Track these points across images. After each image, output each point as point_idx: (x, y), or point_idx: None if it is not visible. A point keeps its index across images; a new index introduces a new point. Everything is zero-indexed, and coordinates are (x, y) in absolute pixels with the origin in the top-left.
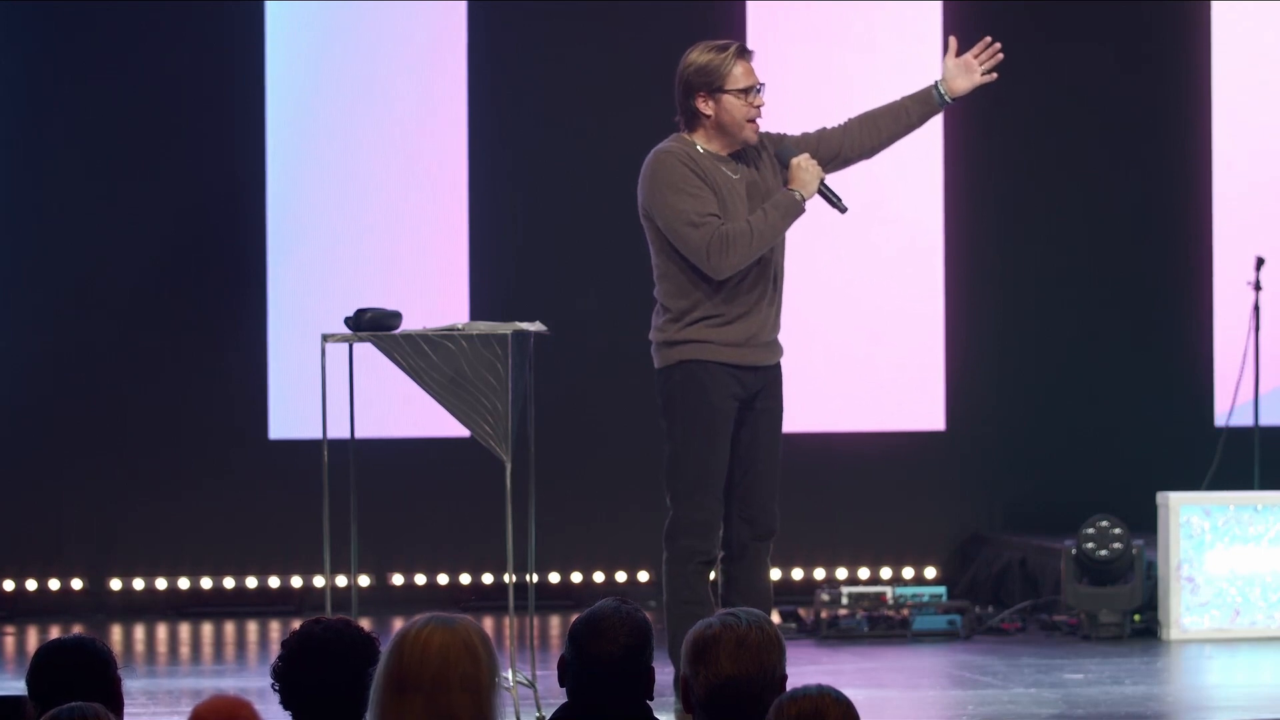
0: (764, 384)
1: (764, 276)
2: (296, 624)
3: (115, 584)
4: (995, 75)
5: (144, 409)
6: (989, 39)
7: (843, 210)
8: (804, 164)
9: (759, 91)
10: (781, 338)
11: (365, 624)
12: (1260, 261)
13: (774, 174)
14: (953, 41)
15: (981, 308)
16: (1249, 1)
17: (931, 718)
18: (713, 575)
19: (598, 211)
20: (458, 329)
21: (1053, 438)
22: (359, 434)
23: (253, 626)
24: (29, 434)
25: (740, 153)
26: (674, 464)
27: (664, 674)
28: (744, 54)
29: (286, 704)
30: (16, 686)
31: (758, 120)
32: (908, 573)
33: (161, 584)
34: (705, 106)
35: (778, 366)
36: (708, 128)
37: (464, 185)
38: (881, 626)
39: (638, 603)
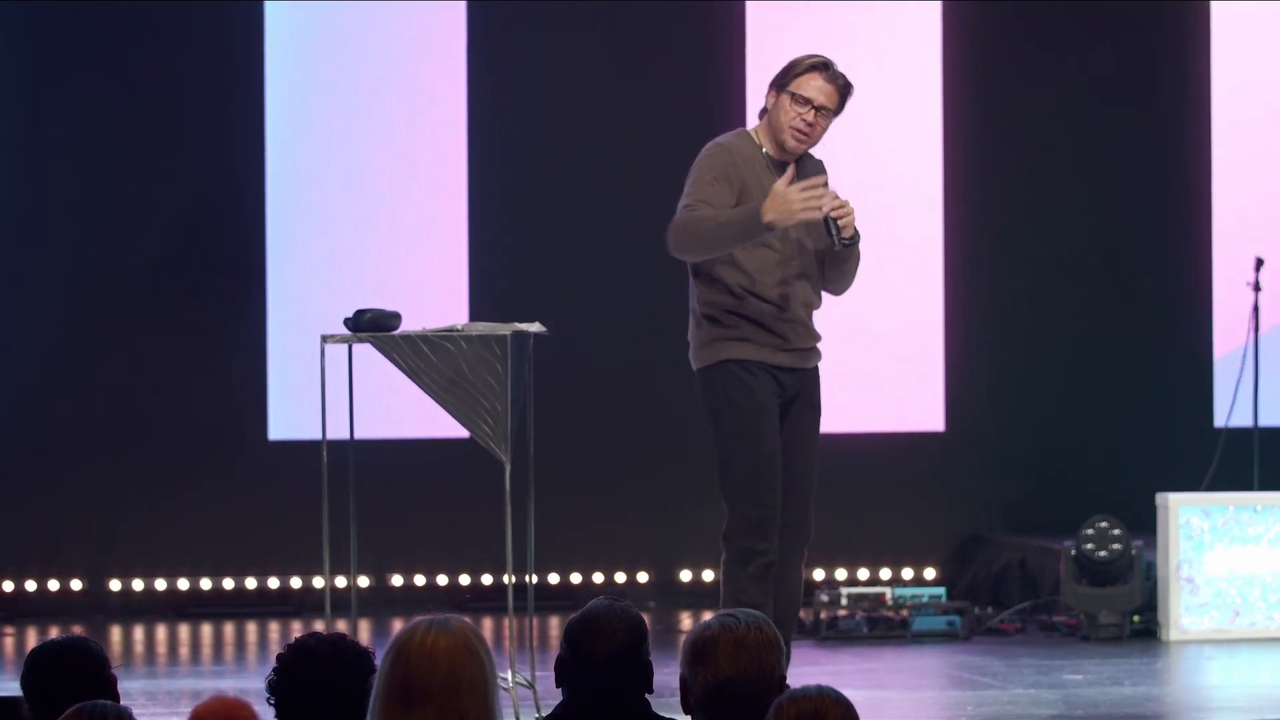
0: (801, 388)
1: (801, 278)
2: (296, 626)
3: (115, 585)
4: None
5: (144, 410)
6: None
7: (834, 248)
8: (792, 195)
9: (817, 111)
10: None
11: (364, 625)
12: (1259, 262)
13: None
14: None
15: (981, 309)
16: (1248, 2)
17: (931, 718)
18: None
19: (597, 212)
20: (457, 330)
21: (1052, 438)
22: (358, 435)
23: (252, 627)
24: (28, 435)
25: (798, 166)
26: (724, 465)
27: (667, 673)
28: (825, 71)
29: (282, 717)
30: (15, 687)
31: (802, 136)
32: (907, 573)
33: (161, 585)
34: (769, 100)
35: (815, 371)
36: (766, 124)
37: (463, 186)
38: (881, 627)
39: (631, 601)
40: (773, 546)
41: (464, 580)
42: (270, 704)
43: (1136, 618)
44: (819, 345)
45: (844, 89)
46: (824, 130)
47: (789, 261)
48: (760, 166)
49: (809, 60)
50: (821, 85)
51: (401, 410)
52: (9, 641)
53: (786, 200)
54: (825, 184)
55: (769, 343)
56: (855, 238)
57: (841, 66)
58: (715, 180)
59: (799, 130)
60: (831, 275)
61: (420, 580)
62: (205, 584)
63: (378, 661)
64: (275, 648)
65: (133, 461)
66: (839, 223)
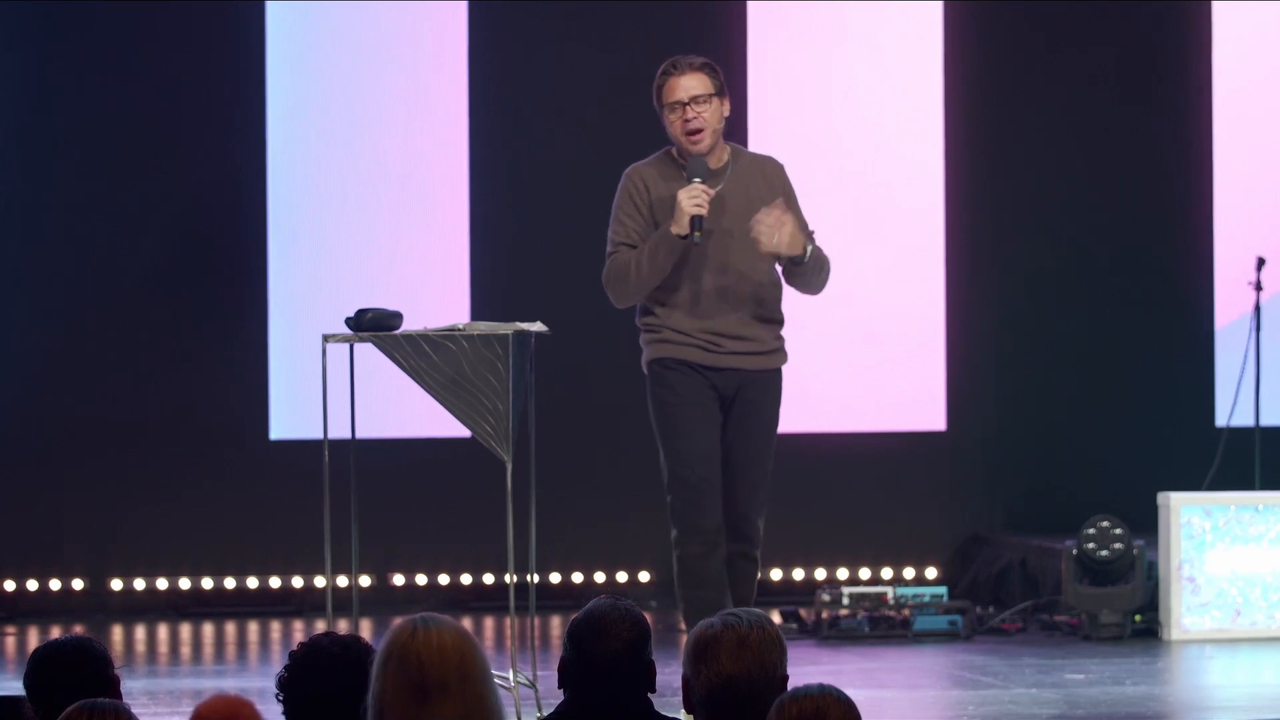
0: (739, 387)
1: (734, 283)
2: (298, 626)
3: (116, 584)
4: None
5: (145, 409)
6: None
7: (693, 240)
8: (680, 196)
9: (689, 105)
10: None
11: (366, 625)
12: (1261, 262)
13: (768, 191)
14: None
15: (982, 308)
16: (1250, 1)
17: (932, 718)
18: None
19: (599, 211)
20: (459, 329)
21: (1053, 438)
22: (360, 434)
23: (254, 627)
24: (30, 434)
25: (732, 169)
26: (661, 460)
27: (669, 673)
28: (674, 69)
29: (290, 715)
30: (17, 687)
31: (695, 135)
32: (909, 573)
33: (162, 584)
34: (664, 123)
35: (763, 374)
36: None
37: (465, 185)
38: (882, 627)
39: (633, 600)
40: (706, 526)
41: (465, 580)
42: (279, 700)
43: (1138, 617)
44: (779, 347)
45: (703, 68)
46: (715, 113)
47: (718, 268)
48: (665, 181)
49: (660, 72)
50: (678, 83)
51: (403, 410)
52: (11, 641)
53: (677, 205)
54: (776, 183)
55: (692, 343)
56: (802, 255)
57: (845, 65)
58: (625, 217)
59: (688, 133)
60: (794, 283)
61: (422, 580)
62: (207, 583)
63: None
64: (277, 647)
65: (134, 461)
66: (763, 242)
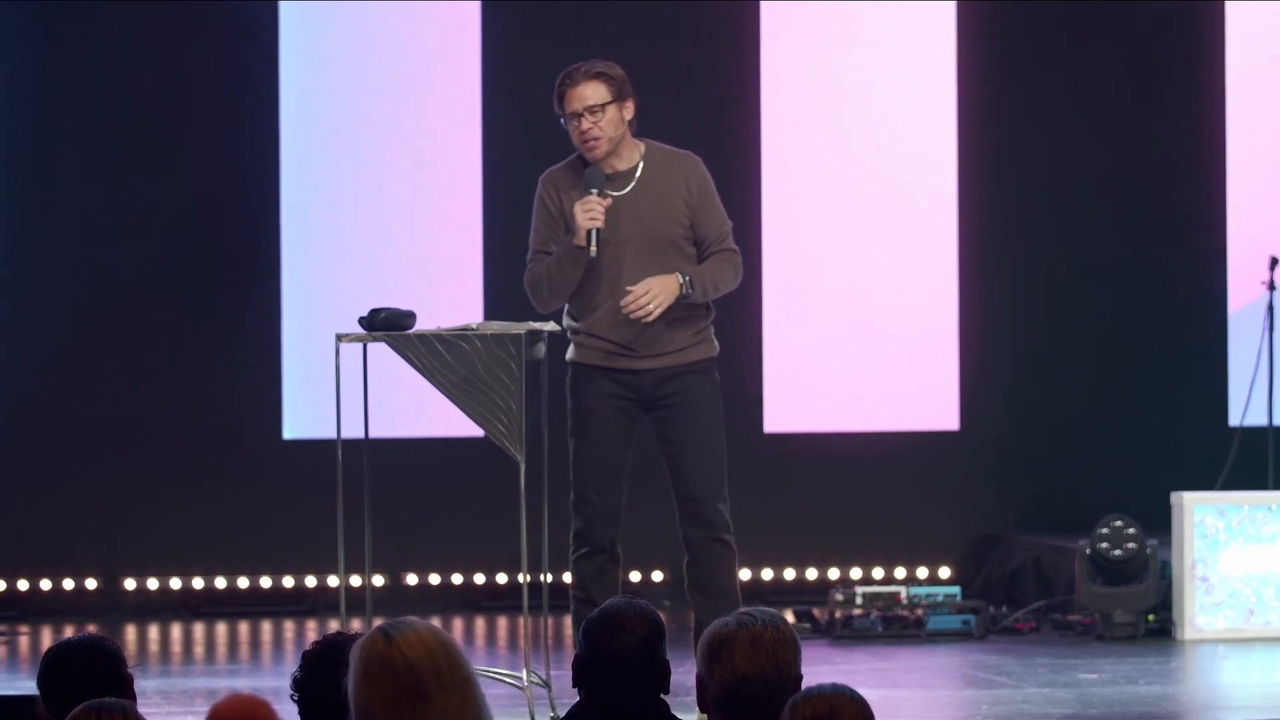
0: (657, 383)
1: (618, 287)
2: (311, 625)
3: (129, 584)
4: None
5: (158, 408)
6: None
7: (589, 253)
8: (575, 210)
9: (584, 116)
10: (794, 336)
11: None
12: (1275, 261)
13: (683, 189)
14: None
15: (995, 307)
16: (1264, 1)
17: (946, 718)
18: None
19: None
20: (472, 329)
21: (1067, 437)
22: (373, 434)
23: (267, 626)
24: (42, 433)
25: (643, 168)
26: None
27: (682, 672)
28: (568, 79)
29: (304, 715)
30: (31, 686)
31: (590, 143)
32: (922, 573)
33: (175, 584)
34: None
35: (683, 366)
36: None
37: (478, 184)
38: (896, 626)
39: (646, 599)
40: (595, 537)
41: (478, 579)
42: (293, 700)
43: (1151, 617)
44: (698, 342)
45: (597, 76)
46: (612, 120)
47: (625, 273)
48: (574, 184)
49: (558, 81)
50: (572, 93)
51: (416, 409)
52: (24, 641)
53: (575, 217)
54: (691, 181)
55: (601, 347)
56: (686, 293)
57: (856, 65)
58: (541, 225)
59: (584, 142)
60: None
61: (435, 579)
62: (220, 583)
63: None
64: (291, 647)
65: (146, 460)
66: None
